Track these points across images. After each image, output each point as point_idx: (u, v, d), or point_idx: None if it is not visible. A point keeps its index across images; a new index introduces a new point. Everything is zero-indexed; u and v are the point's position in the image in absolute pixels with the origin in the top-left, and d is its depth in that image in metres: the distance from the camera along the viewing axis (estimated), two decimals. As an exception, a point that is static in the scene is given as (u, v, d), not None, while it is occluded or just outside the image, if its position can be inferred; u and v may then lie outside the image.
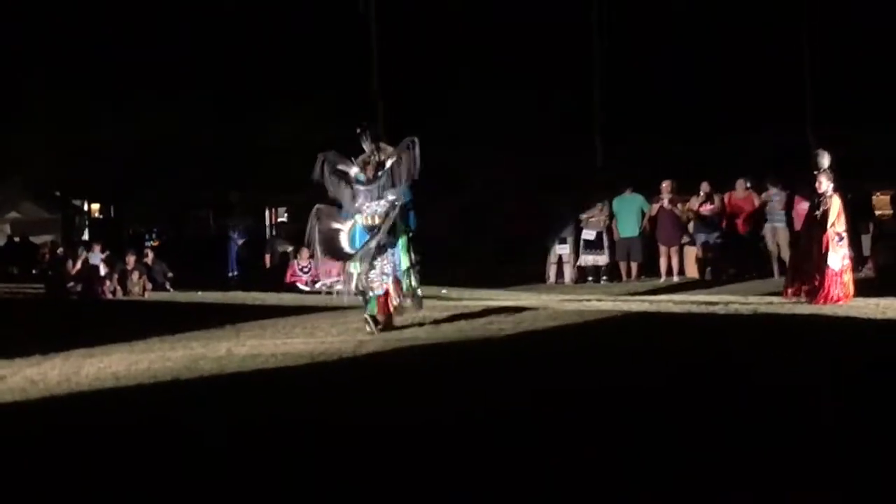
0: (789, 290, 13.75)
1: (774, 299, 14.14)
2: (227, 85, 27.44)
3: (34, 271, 26.57)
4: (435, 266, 16.02)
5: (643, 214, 20.31)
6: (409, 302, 12.01)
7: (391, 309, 11.79)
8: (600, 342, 10.66)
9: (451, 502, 5.10)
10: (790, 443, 5.82)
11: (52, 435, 6.62)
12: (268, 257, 24.30)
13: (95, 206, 38.78)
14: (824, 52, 25.08)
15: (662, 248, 20.11)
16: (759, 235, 19.91)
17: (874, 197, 23.37)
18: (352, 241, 11.83)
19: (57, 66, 28.07)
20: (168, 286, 21.55)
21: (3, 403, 7.78)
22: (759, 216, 19.83)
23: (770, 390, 7.37)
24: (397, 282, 11.78)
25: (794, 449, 5.70)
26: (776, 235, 19.54)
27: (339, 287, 12.38)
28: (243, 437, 6.38)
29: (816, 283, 13.26)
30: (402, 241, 11.86)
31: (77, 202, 36.88)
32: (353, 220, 11.83)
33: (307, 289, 20.80)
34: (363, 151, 11.84)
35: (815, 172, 13.53)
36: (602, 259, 20.39)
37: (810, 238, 13.57)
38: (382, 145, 11.90)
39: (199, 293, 19.94)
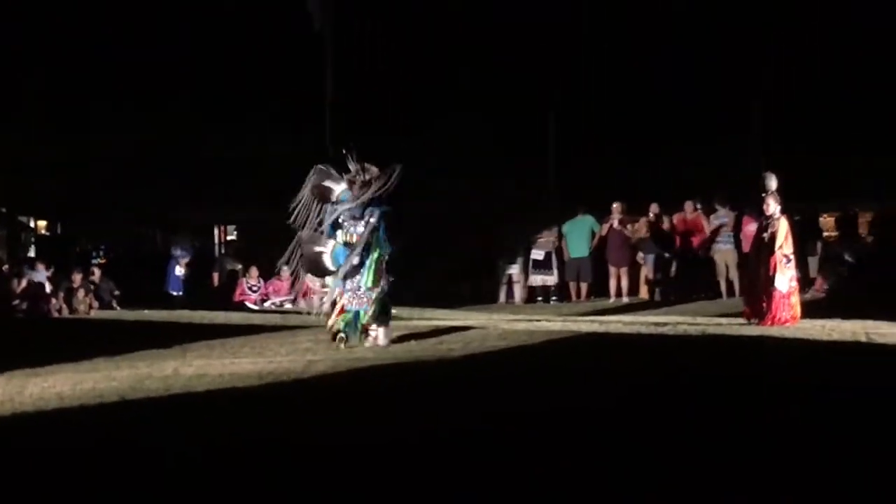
0: (746, 311, 13.81)
1: (723, 320, 14.22)
2: (177, 102, 27.23)
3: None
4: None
5: (593, 235, 20.38)
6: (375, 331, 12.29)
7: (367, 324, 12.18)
8: (550, 363, 10.65)
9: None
10: (738, 462, 5.82)
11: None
12: (216, 276, 24.13)
13: (42, 223, 38.36)
14: (774, 75, 25.23)
15: (612, 269, 20.20)
16: (708, 256, 20.04)
17: (821, 218, 23.57)
18: (335, 260, 12.24)
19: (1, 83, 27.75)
20: (115, 304, 21.37)
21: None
22: (708, 237, 19.96)
23: (719, 412, 7.37)
24: (371, 301, 12.17)
25: (743, 468, 5.70)
26: (724, 256, 19.68)
27: (304, 304, 12.91)
28: (187, 459, 6.29)
29: (764, 306, 13.36)
30: (372, 261, 12.23)
31: (23, 219, 36.45)
32: (333, 241, 12.27)
33: (256, 307, 20.73)
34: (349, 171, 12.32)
35: (763, 195, 13.60)
36: (551, 279, 20.46)
37: (758, 260, 13.66)
38: (367, 166, 12.32)
39: (146, 312, 19.79)
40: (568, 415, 7.34)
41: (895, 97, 24.44)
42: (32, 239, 37.72)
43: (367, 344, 12.17)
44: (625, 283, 20.16)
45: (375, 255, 12.22)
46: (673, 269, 20.44)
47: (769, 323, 13.16)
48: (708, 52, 25.11)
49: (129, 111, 26.76)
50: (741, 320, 13.67)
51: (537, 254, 20.46)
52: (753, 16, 25.30)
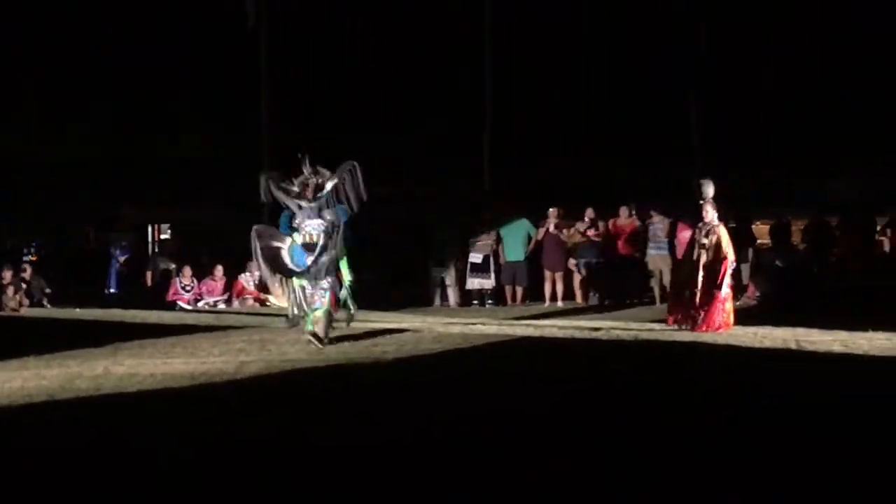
0: (671, 318, 13.89)
1: (656, 326, 14.30)
2: (112, 99, 26.98)
3: None
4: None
5: (530, 239, 20.42)
6: (342, 315, 12.59)
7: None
8: (485, 366, 10.65)
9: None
10: (670, 466, 5.85)
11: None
12: (149, 275, 23.90)
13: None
14: (711, 87, 25.44)
15: (547, 273, 20.23)
16: (643, 262, 20.17)
17: (754, 226, 23.78)
18: (293, 258, 12.32)
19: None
20: (45, 302, 21.11)
21: None
22: (642, 242, 20.08)
23: (652, 417, 7.41)
24: (334, 296, 12.35)
25: (675, 472, 5.72)
26: (658, 262, 19.79)
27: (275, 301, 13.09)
28: (116, 459, 6.22)
29: (702, 311, 13.37)
30: (344, 259, 12.51)
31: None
32: (290, 239, 12.37)
33: (189, 307, 20.58)
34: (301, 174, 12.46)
35: (701, 202, 13.63)
36: (488, 283, 20.45)
37: (693, 266, 13.65)
38: (320, 169, 12.50)
39: (78, 310, 19.56)
40: (502, 419, 7.35)
41: (829, 105, 24.85)
42: (-39, 236, 37.20)
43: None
44: (560, 288, 20.20)
45: (335, 252, 12.35)
46: (607, 274, 20.53)
47: (704, 328, 13.24)
48: (648, 61, 25.27)
49: (63, 109, 26.51)
50: (673, 326, 13.71)
51: (475, 257, 20.45)
52: (694, 23, 25.50)
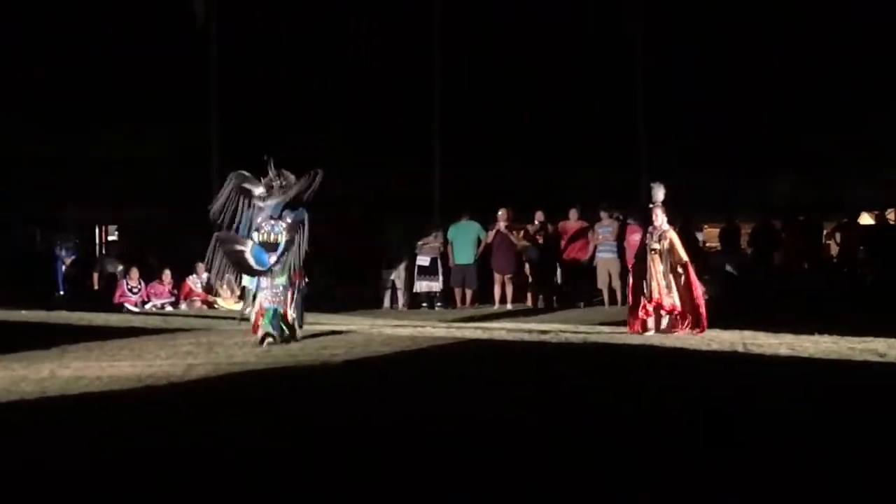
0: (631, 326, 13.67)
1: (605, 328, 14.35)
2: (57, 97, 26.73)
3: None
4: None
5: (479, 241, 20.44)
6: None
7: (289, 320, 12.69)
8: (433, 369, 10.65)
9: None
10: (620, 470, 5.87)
11: None
12: (96, 276, 23.70)
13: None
14: (654, 91, 25.56)
15: (497, 276, 20.27)
16: (591, 265, 20.24)
17: (704, 229, 23.98)
18: (256, 259, 12.58)
19: None
20: (-10, 304, 20.87)
21: None
22: (591, 246, 20.16)
23: (600, 420, 7.43)
24: (292, 295, 12.71)
25: (625, 475, 5.74)
26: (607, 265, 19.88)
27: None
28: (57, 463, 6.15)
29: (689, 313, 13.33)
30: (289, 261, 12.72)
31: None
32: (251, 241, 12.62)
33: (136, 309, 20.44)
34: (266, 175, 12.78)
35: (651, 205, 13.64)
36: (437, 285, 20.46)
37: (648, 272, 13.56)
38: (285, 172, 12.79)
39: (23, 312, 19.35)
40: (449, 422, 7.34)
41: (776, 114, 25.07)
42: None
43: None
44: (509, 290, 20.24)
45: (299, 252, 12.63)
46: (557, 276, 20.60)
47: (703, 328, 13.19)
48: (595, 68, 25.38)
49: (10, 107, 26.22)
50: (623, 329, 13.72)
51: (423, 259, 20.44)
52: (638, 25, 25.63)
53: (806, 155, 25.26)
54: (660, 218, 13.50)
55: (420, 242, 20.51)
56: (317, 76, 26.33)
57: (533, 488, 5.57)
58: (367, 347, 12.20)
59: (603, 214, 20.28)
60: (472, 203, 21.36)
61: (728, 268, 20.56)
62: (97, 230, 30.16)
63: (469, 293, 20.49)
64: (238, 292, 16.57)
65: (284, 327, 12.61)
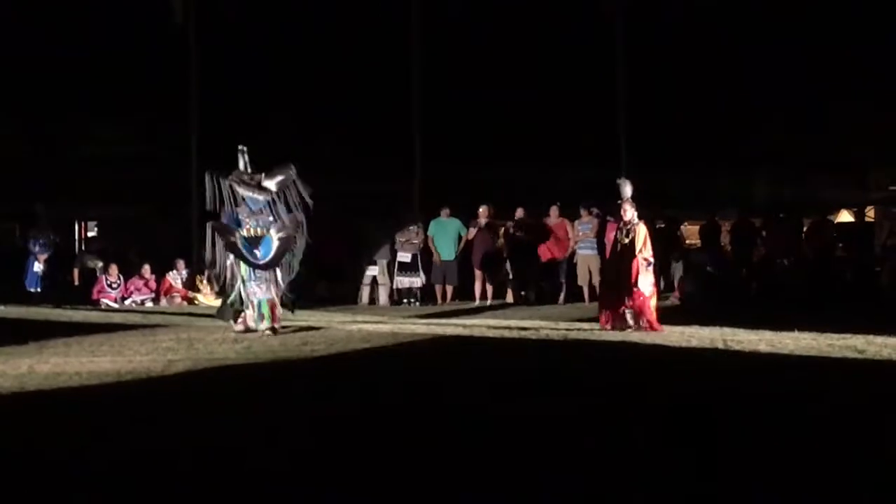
0: (602, 319, 13.87)
1: (585, 325, 14.38)
2: (37, 93, 26.64)
3: None
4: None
5: (460, 238, 20.45)
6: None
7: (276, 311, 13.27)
8: (413, 365, 10.65)
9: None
10: (599, 466, 5.88)
11: None
12: (76, 272, 23.60)
13: None
14: (638, 86, 25.60)
15: (478, 273, 20.28)
16: (573, 262, 20.27)
17: (684, 226, 24.04)
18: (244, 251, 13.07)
19: None
20: (-31, 300, 20.78)
21: None
22: (571, 243, 20.20)
23: (578, 417, 7.43)
24: (278, 288, 13.28)
25: (604, 471, 5.75)
26: (587, 261, 19.92)
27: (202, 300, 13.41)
28: (34, 459, 6.14)
29: (633, 308, 13.43)
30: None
31: None
32: (239, 234, 13.08)
33: (115, 305, 20.39)
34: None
35: (619, 201, 13.74)
36: (417, 281, 20.46)
37: (618, 266, 13.72)
38: (255, 173, 13.22)
39: (2, 307, 19.29)
40: (432, 416, 7.35)
41: (755, 112, 25.17)
42: None
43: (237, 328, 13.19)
44: (490, 287, 20.26)
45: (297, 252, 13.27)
46: (537, 273, 20.61)
47: (647, 328, 13.26)
48: (575, 66, 25.40)
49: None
50: (606, 327, 13.74)
51: (404, 256, 20.43)
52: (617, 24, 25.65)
53: (785, 152, 25.38)
54: (629, 213, 13.63)
55: (400, 238, 20.47)
56: (297, 74, 26.30)
57: (512, 482, 5.58)
58: (347, 344, 12.20)
59: (583, 212, 20.31)
60: (453, 201, 21.36)
61: (709, 266, 20.61)
62: (76, 226, 30.07)
63: (449, 289, 20.50)
64: (217, 289, 16.53)
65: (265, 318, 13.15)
